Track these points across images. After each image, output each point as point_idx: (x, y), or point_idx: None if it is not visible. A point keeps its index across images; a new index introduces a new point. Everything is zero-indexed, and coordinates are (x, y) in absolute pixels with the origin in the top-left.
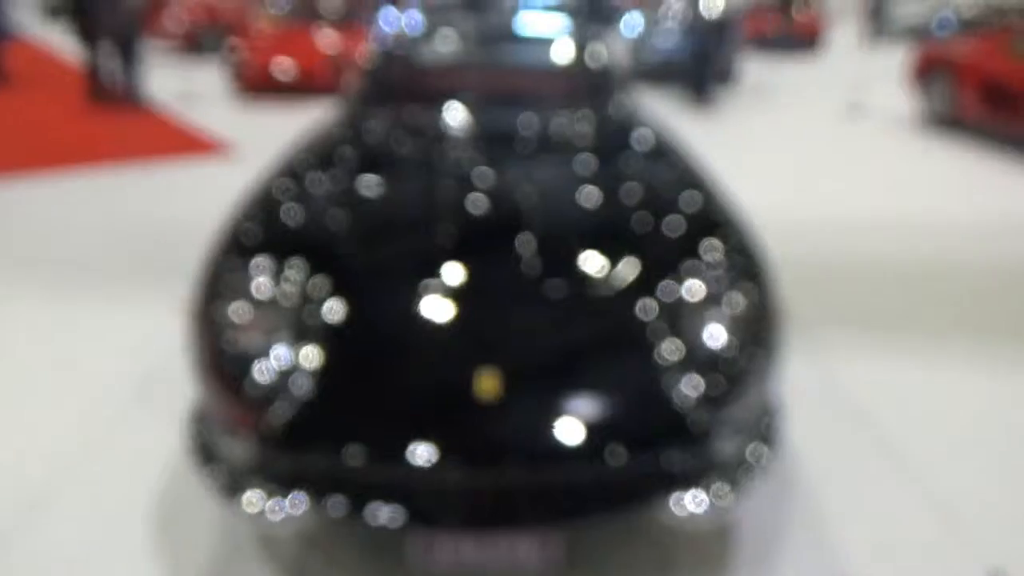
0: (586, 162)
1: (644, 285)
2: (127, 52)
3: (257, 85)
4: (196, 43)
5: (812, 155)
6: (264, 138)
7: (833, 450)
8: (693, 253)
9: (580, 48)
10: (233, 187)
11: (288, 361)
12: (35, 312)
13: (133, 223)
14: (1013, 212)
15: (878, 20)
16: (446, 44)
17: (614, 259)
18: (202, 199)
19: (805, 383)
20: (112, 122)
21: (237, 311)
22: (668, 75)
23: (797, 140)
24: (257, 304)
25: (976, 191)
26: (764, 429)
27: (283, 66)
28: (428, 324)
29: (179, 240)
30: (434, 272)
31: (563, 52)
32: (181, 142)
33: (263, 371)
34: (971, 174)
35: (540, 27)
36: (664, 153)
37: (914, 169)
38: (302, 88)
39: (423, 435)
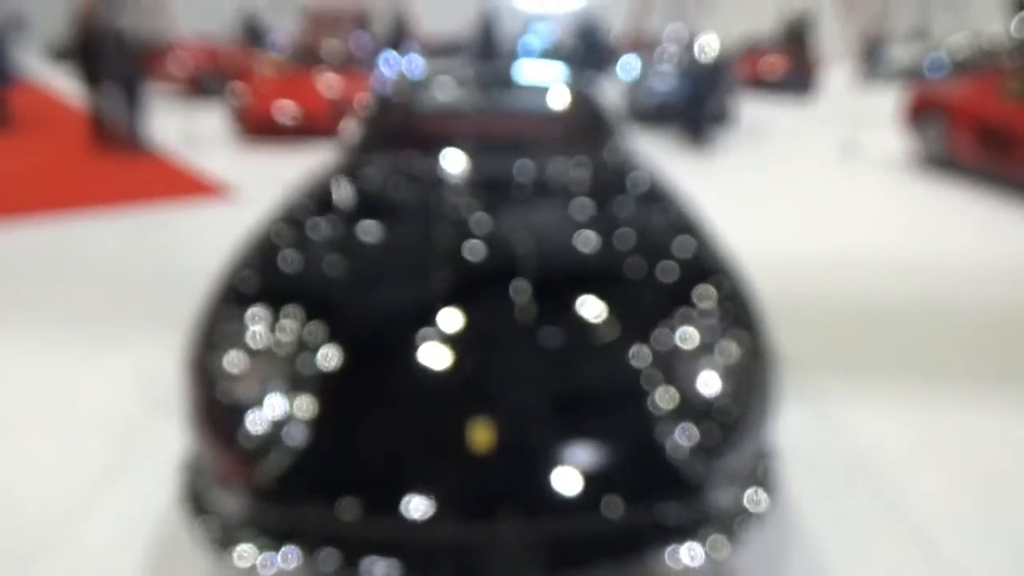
0: (581, 208)
1: (638, 332)
2: (131, 95)
3: (259, 128)
4: (200, 86)
5: (807, 196)
6: (266, 181)
7: (831, 498)
8: (687, 300)
9: (576, 95)
10: (235, 230)
11: (282, 412)
12: (28, 361)
13: (133, 267)
14: (1007, 253)
15: (871, 62)
16: (444, 91)
17: (608, 306)
18: (204, 242)
19: (801, 428)
20: (115, 165)
21: (232, 361)
22: (665, 117)
23: (793, 181)
24: (252, 354)
25: (970, 232)
26: (761, 475)
27: (285, 110)
28: (422, 373)
29: (179, 284)
30: (428, 320)
31: (559, 99)
32: (184, 185)
33: (256, 422)
34: (965, 215)
35: (537, 74)
36: (658, 198)
37: (908, 210)
38: (304, 131)
39: (417, 488)
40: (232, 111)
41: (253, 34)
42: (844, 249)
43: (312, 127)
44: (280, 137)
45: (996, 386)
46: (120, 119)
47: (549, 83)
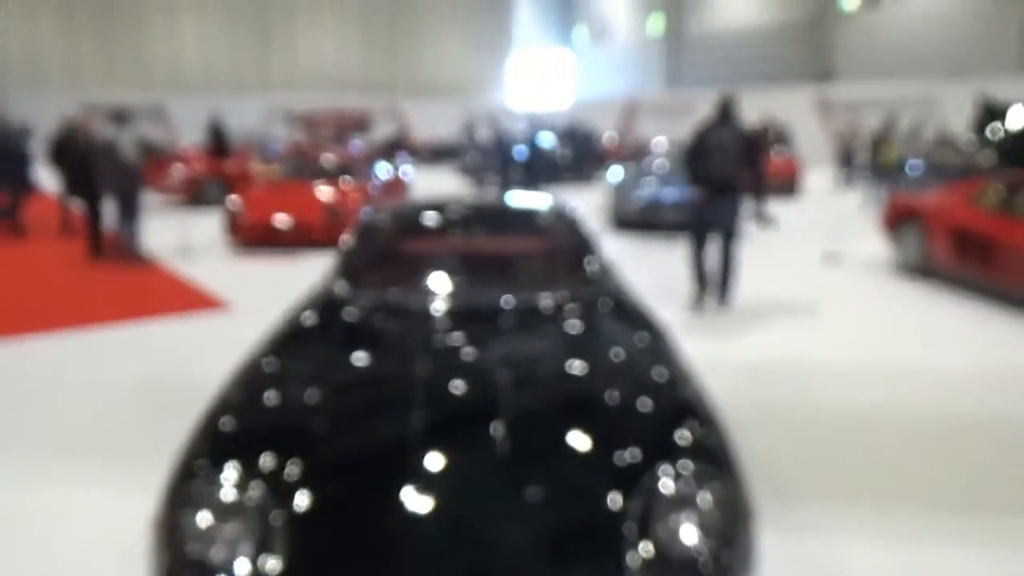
0: (562, 340)
1: (615, 482)
2: (127, 208)
3: (256, 238)
4: (201, 196)
5: (790, 304)
6: (263, 293)
7: None
8: (663, 448)
9: (559, 222)
10: (230, 346)
11: (251, 574)
12: (14, 496)
13: (124, 389)
14: (986, 360)
15: (849, 166)
16: (428, 219)
17: (586, 451)
18: (195, 362)
19: (786, 560)
20: (110, 278)
21: (202, 520)
22: (649, 222)
23: (776, 287)
24: (223, 512)
25: (949, 339)
26: None
27: (282, 220)
28: (393, 528)
29: (167, 408)
30: (404, 467)
31: (543, 227)
32: (180, 298)
33: None
34: (944, 322)
35: (521, 203)
36: (638, 327)
37: (888, 318)
38: (300, 241)
39: None
40: (228, 223)
41: (219, 140)
42: (824, 357)
43: (309, 238)
44: (278, 247)
45: (991, 510)
46: (116, 230)
47: (533, 210)
